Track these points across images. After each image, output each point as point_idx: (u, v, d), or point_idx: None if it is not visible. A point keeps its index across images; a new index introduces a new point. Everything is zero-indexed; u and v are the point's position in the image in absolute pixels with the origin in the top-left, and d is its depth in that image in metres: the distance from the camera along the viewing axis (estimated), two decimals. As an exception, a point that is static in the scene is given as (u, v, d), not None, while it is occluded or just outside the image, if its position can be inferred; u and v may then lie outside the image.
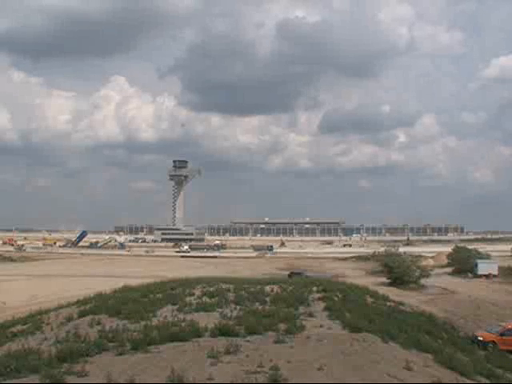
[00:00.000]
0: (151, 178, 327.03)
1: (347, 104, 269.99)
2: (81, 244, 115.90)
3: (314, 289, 21.37)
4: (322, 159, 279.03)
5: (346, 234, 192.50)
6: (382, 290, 27.92)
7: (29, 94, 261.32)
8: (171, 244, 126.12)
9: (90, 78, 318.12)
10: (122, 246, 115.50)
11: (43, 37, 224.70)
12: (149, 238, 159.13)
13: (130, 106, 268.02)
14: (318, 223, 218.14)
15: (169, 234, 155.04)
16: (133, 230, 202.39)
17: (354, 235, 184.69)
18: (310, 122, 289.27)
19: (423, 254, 66.29)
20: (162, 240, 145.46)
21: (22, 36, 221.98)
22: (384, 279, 42.52)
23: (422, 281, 40.83)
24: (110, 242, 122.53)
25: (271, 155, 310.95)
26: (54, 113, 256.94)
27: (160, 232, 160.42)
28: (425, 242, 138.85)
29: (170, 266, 65.04)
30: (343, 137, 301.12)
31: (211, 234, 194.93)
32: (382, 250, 60.86)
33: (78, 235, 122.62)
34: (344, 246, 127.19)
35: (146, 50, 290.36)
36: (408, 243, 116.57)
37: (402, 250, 55.08)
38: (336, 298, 19.39)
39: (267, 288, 21.08)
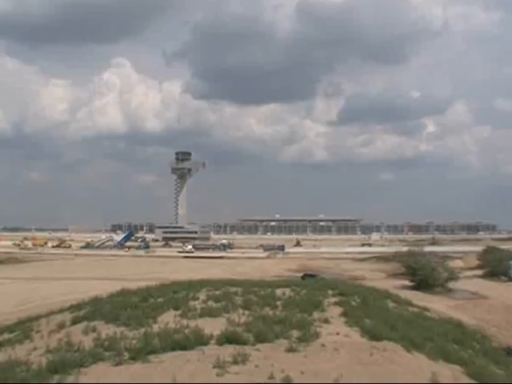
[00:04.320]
0: (154, 171, 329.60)
1: (371, 91, 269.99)
2: (76, 244, 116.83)
3: (330, 292, 21.26)
4: (341, 150, 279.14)
5: (364, 233, 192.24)
6: (405, 294, 27.71)
7: (23, 82, 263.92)
8: (160, 243, 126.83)
9: (91, 65, 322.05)
10: (120, 245, 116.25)
11: (39, 21, 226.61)
12: (149, 236, 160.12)
13: (134, 94, 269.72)
14: (334, 220, 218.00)
15: (171, 232, 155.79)
16: (131, 228, 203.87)
17: (374, 234, 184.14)
18: (329, 110, 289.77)
19: (451, 255, 65.89)
20: (164, 239, 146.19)
21: (16, 20, 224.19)
22: (407, 282, 42.29)
23: (450, 284, 40.52)
24: (107, 241, 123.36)
25: (286, 146, 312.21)
26: (50, 101, 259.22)
27: (161, 230, 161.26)
28: (452, 241, 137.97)
29: (171, 267, 65.26)
30: (365, 126, 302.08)
31: (217, 233, 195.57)
32: (404, 249, 60.63)
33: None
34: (362, 245, 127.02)
35: (152, 33, 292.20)
36: (434, 242, 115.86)
37: (426, 249, 54.79)
38: (354, 303, 19.29)
39: (278, 291, 21.02)
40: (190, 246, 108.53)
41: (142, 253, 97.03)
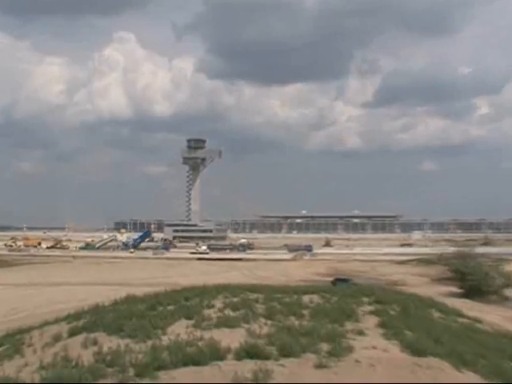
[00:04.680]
0: (163, 162, 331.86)
1: (412, 67, 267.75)
2: (74, 245, 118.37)
3: (365, 300, 21.16)
4: (377, 136, 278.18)
5: (404, 231, 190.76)
6: (452, 303, 27.44)
7: (13, 60, 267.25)
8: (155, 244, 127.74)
9: (90, 40, 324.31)
10: (125, 246, 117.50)
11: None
12: (158, 236, 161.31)
13: (139, 73, 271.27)
14: (369, 217, 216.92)
15: (182, 231, 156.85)
16: (138, 227, 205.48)
17: (416, 232, 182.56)
18: (363, 90, 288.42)
19: (506, 257, 65.06)
20: (174, 238, 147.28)
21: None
22: (454, 289, 41.93)
23: (506, 292, 40.04)
24: (110, 241, 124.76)
25: (314, 132, 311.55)
26: (45, 82, 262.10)
27: (171, 229, 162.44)
28: (508, 241, 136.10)
29: (183, 270, 65.90)
30: (405, 108, 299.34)
31: (235, 231, 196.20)
32: (451, 251, 60.00)
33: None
34: (402, 245, 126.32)
35: (160, 3, 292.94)
36: (486, 243, 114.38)
37: (478, 251, 54.16)
38: (393, 312, 19.18)
39: (305, 298, 20.99)
40: (205, 247, 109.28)
41: (150, 254, 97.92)
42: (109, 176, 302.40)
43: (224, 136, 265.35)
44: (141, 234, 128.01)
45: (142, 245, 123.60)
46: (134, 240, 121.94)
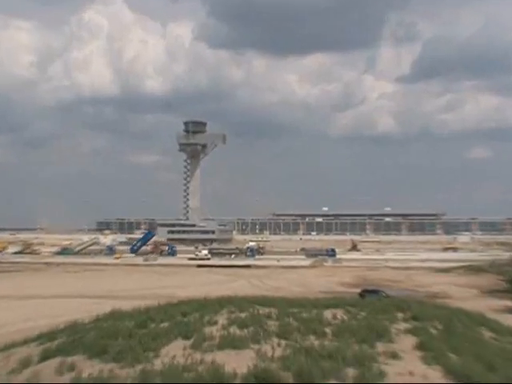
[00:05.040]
0: (156, 149, 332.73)
1: (458, 32, 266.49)
2: (48, 250, 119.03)
3: (400, 316, 21.16)
4: (415, 117, 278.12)
5: (448, 233, 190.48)
6: (508, 320, 27.39)
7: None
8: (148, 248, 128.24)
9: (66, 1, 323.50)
10: (110, 250, 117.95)
11: None
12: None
13: (127, 40, 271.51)
14: (404, 215, 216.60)
15: (178, 232, 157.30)
16: (125, 227, 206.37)
17: (462, 234, 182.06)
18: (398, 61, 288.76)
19: None
20: (169, 240, 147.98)
21: None
22: (511, 303, 41.83)
23: None
24: (91, 245, 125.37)
25: (338, 113, 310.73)
26: (11, 52, 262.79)
27: (166, 229, 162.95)
28: None
29: (180, 279, 66.13)
30: (450, 83, 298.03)
31: (242, 233, 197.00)
32: (506, 256, 59.83)
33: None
34: (445, 250, 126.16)
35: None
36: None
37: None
38: (434, 331, 19.14)
39: (327, 314, 21.00)
40: (206, 251, 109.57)
41: (140, 260, 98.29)
42: (90, 166, 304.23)
43: (229, 118, 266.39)
44: (142, 236, 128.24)
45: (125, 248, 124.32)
46: (134, 243, 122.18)
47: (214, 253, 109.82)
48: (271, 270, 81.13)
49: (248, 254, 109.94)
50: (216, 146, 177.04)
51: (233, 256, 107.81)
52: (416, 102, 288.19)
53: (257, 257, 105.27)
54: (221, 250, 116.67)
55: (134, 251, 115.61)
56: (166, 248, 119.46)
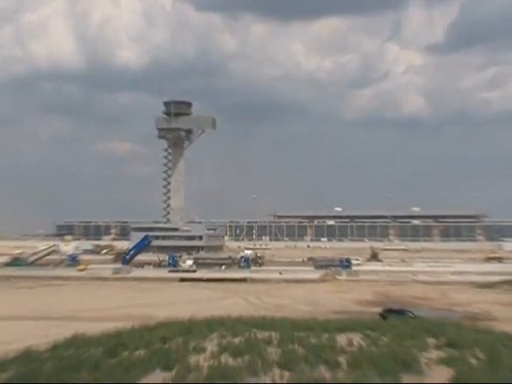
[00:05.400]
0: (130, 135, 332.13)
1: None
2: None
3: (431, 342, 21.21)
4: (451, 96, 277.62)
5: (491, 239, 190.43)
6: None
7: None
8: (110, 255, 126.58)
9: None
10: (72, 260, 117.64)
11: None
12: (121, 245, 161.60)
13: (95, 0, 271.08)
14: (436, 217, 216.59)
15: (157, 237, 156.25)
16: (90, 232, 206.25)
17: (509, 240, 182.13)
18: (430, 25, 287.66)
19: None
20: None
21: None
22: None
23: None
24: (49, 253, 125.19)
25: (355, 90, 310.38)
26: None
27: (141, 235, 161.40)
28: None
29: (159, 296, 66.16)
30: (495, 53, 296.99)
31: (236, 238, 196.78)
32: None
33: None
34: (488, 260, 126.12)
35: None
36: None
37: None
38: (474, 361, 19.17)
39: (341, 339, 21.07)
40: (190, 262, 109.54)
41: (109, 273, 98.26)
42: (48, 157, 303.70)
43: (221, 97, 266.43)
44: (136, 243, 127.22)
45: (91, 258, 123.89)
46: (127, 254, 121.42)
47: (200, 263, 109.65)
48: (272, 284, 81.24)
49: (242, 264, 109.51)
50: (204, 131, 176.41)
51: (223, 267, 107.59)
52: (452, 76, 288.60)
53: (254, 268, 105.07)
54: (208, 260, 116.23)
55: (125, 262, 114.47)
56: (166, 258, 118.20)
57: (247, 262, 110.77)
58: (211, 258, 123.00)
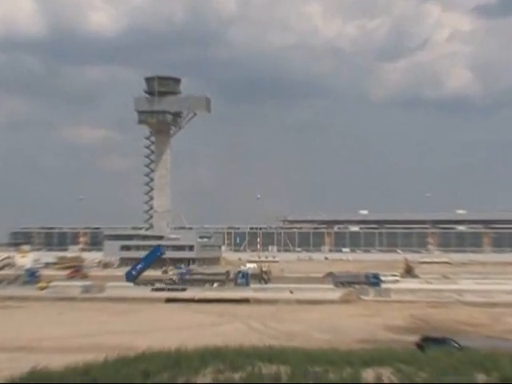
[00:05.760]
0: (102, 120, 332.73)
1: None
2: None
3: (481, 378, 21.13)
4: (505, 70, 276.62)
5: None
6: None
7: None
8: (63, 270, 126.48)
9: None
10: (31, 276, 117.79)
11: None
12: (92, 256, 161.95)
13: None
14: (486, 223, 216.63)
15: (137, 247, 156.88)
16: (54, 241, 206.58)
17: None
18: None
19: None
20: (123, 260, 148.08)
21: None
22: None
23: None
24: (1, 267, 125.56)
25: (385, 63, 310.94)
26: None
27: (117, 244, 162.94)
28: None
29: (140, 321, 66.16)
30: None
31: (235, 248, 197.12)
32: None
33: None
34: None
35: None
36: None
37: None
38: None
39: (368, 374, 20.99)
40: (175, 277, 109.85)
41: (77, 293, 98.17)
42: (1, 146, 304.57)
43: (217, 72, 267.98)
44: (146, 254, 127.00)
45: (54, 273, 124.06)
46: (134, 266, 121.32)
47: (184, 280, 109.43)
48: (281, 306, 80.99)
49: (239, 281, 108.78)
50: (195, 115, 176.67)
51: (215, 285, 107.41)
52: (507, 45, 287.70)
53: (258, 286, 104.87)
54: (197, 276, 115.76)
55: (131, 278, 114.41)
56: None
57: (246, 279, 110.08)
58: (200, 273, 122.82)
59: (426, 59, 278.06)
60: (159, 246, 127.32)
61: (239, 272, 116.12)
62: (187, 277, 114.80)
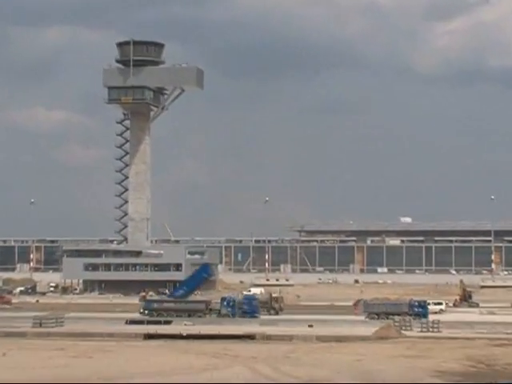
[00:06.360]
0: (64, 97, 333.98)
1: None
2: None
3: None
4: None
5: None
6: None
7: None
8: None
9: None
10: (179, 297, 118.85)
11: None
12: (46, 278, 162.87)
13: None
14: None
15: (107, 266, 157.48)
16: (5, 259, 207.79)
17: None
18: None
19: None
20: (88, 283, 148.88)
21: None
22: None
23: None
24: None
25: (436, 22, 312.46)
26: None
27: (80, 262, 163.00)
28: None
29: (109, 365, 66.07)
30: None
31: (236, 268, 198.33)
32: None
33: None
34: None
35: None
36: None
37: None
38: None
39: None
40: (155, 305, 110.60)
41: (28, 326, 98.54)
42: None
43: (213, 36, 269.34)
44: (190, 275, 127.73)
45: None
46: (173, 293, 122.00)
47: (152, 309, 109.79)
48: (297, 344, 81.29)
49: (224, 311, 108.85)
50: (183, 92, 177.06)
51: (209, 314, 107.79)
52: None
53: (266, 317, 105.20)
54: (167, 305, 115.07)
55: (179, 298, 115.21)
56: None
57: (232, 309, 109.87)
58: (172, 301, 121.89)
59: (490, 18, 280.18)
60: (206, 265, 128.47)
61: (223, 299, 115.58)
62: (155, 305, 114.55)
